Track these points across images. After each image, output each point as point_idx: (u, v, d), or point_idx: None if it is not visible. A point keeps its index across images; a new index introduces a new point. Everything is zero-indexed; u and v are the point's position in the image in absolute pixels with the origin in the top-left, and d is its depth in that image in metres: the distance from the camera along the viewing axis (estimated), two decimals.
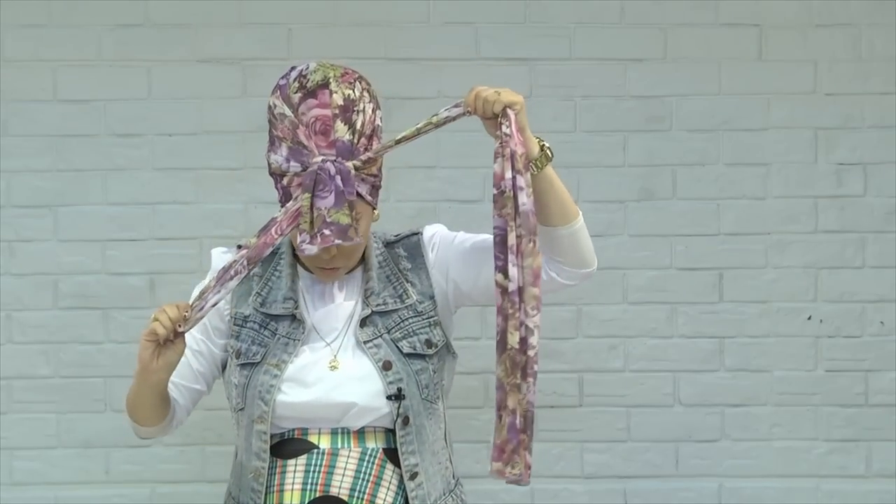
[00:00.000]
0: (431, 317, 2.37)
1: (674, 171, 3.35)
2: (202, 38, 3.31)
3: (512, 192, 2.19)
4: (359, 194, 2.24)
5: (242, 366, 2.31)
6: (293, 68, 2.27)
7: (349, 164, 2.21)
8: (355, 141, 2.22)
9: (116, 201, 3.32)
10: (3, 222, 3.31)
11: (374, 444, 2.29)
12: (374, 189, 2.29)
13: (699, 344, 3.35)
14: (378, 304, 2.33)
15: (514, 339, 2.19)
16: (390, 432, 2.30)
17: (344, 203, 2.19)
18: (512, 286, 2.18)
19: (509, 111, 2.19)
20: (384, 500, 2.27)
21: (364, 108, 2.25)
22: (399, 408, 2.27)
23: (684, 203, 3.35)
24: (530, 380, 2.20)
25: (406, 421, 2.28)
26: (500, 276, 2.20)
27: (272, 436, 2.28)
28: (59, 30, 3.30)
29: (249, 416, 2.29)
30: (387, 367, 2.28)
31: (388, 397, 2.27)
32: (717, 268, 3.35)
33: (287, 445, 2.28)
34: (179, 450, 3.32)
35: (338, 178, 2.19)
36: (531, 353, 2.20)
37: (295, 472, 2.26)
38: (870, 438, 3.34)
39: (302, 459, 2.27)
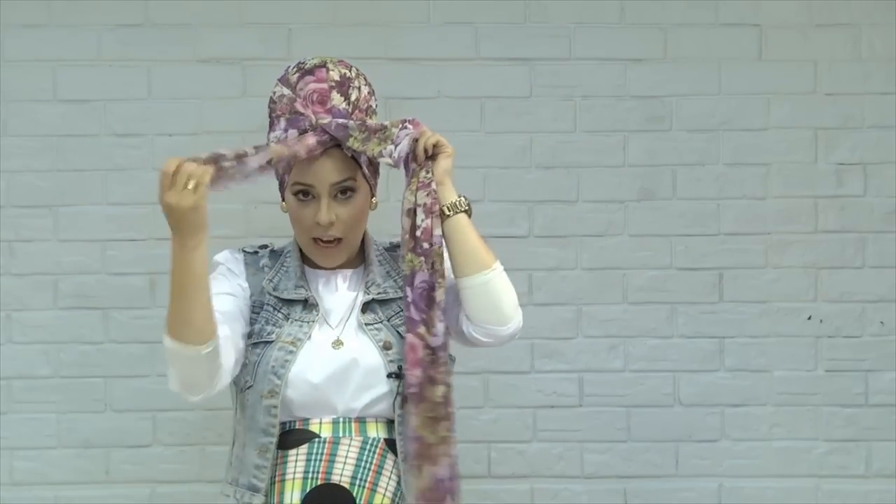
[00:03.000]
0: None
1: (674, 171, 3.35)
2: (202, 38, 3.31)
3: (441, 248, 2.29)
4: (357, 162, 2.31)
5: (255, 344, 2.33)
6: (291, 64, 2.38)
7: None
8: (350, 111, 2.30)
9: (116, 201, 3.32)
10: (3, 222, 3.30)
11: (376, 433, 2.31)
12: (373, 167, 2.36)
13: (699, 344, 3.35)
14: (379, 293, 2.38)
15: (437, 393, 2.27)
16: (390, 423, 2.33)
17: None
18: (438, 341, 2.28)
19: (441, 156, 2.31)
20: (385, 488, 2.29)
21: (360, 86, 2.34)
22: (399, 386, 2.30)
23: (684, 203, 3.35)
24: (455, 434, 2.30)
25: (405, 401, 2.30)
26: (423, 330, 2.28)
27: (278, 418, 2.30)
28: (59, 30, 3.30)
29: (258, 393, 2.30)
30: (387, 346, 2.34)
31: (389, 375, 2.30)
32: (717, 268, 3.35)
33: (288, 436, 2.30)
34: (179, 450, 3.32)
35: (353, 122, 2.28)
36: (452, 409, 2.30)
37: (296, 461, 2.28)
38: (870, 438, 3.34)
39: (303, 449, 2.29)
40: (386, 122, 2.30)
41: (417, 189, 2.30)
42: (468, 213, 2.35)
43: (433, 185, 2.31)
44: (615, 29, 3.34)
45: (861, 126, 3.34)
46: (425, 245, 2.29)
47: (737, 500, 3.34)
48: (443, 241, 2.31)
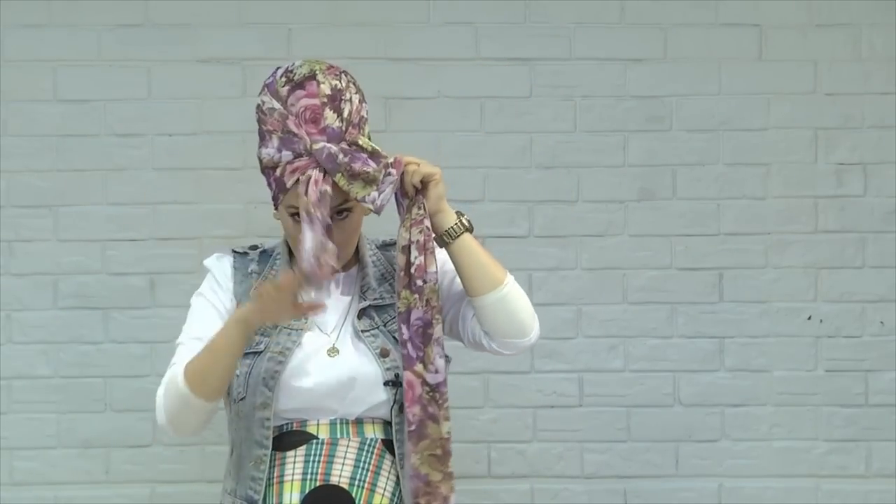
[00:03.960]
0: None
1: (674, 171, 3.35)
2: (202, 38, 3.31)
3: (437, 284, 2.30)
4: None
5: (245, 355, 2.32)
6: (278, 68, 2.31)
7: (342, 145, 2.25)
8: (344, 128, 2.25)
9: (116, 201, 3.32)
10: (3, 222, 3.31)
11: (373, 434, 2.31)
12: None
13: (699, 344, 3.35)
14: (375, 298, 2.37)
15: (442, 430, 2.29)
16: (388, 424, 2.32)
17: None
18: (437, 378, 2.28)
19: (430, 185, 2.29)
20: (384, 488, 2.28)
21: (351, 97, 2.28)
22: (396, 394, 2.29)
23: (684, 203, 3.35)
24: (454, 470, 2.31)
25: (402, 408, 2.30)
26: (420, 367, 2.28)
27: (272, 429, 2.30)
28: (59, 30, 3.30)
29: (251, 405, 2.29)
30: (384, 354, 2.32)
31: (386, 383, 2.30)
32: (717, 268, 3.35)
33: (286, 438, 2.30)
34: (179, 450, 3.32)
35: (343, 156, 2.23)
36: (451, 444, 2.31)
37: (294, 462, 2.28)
38: (870, 438, 3.34)
39: (301, 450, 2.28)
40: (369, 168, 2.23)
41: (411, 226, 2.30)
42: (470, 230, 2.34)
43: (426, 222, 2.29)
44: (615, 29, 3.34)
45: (861, 126, 3.34)
46: (419, 282, 2.29)
47: (737, 500, 3.34)
48: (437, 277, 2.30)
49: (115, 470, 3.33)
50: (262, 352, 2.31)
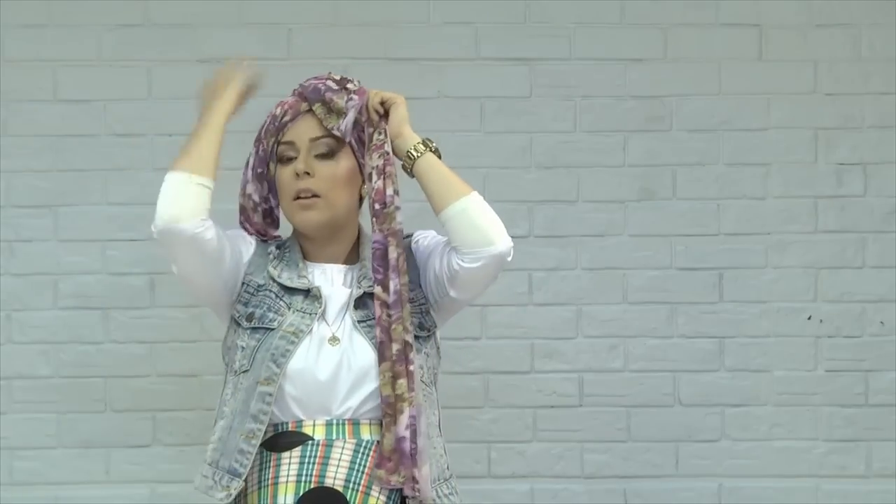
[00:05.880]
0: (422, 304, 2.43)
1: (674, 171, 3.35)
2: (202, 38, 3.31)
3: (393, 208, 2.33)
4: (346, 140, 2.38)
5: (255, 329, 2.33)
6: None
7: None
8: (340, 87, 2.41)
9: (116, 201, 3.32)
10: (3, 222, 3.30)
11: (369, 435, 2.31)
12: (363, 144, 2.41)
13: (699, 344, 3.35)
14: (369, 287, 2.38)
15: (394, 349, 2.30)
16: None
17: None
18: (392, 298, 2.31)
19: (391, 109, 2.37)
20: (379, 491, 2.28)
21: (355, 90, 2.43)
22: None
23: (684, 203, 3.35)
24: (413, 394, 2.29)
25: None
26: (379, 290, 2.32)
27: (265, 431, 2.29)
28: (59, 30, 3.30)
29: (254, 378, 2.29)
30: None
31: None
32: (717, 268, 3.35)
33: (281, 438, 2.29)
34: (179, 450, 3.32)
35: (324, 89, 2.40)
36: (412, 367, 2.30)
37: (289, 464, 2.28)
38: (870, 438, 3.34)
39: (296, 451, 2.28)
40: (341, 98, 2.36)
41: (373, 152, 2.36)
42: (436, 153, 2.38)
43: (386, 147, 2.35)
44: (615, 29, 3.34)
45: (861, 126, 3.34)
46: (377, 206, 2.34)
47: (737, 500, 3.34)
48: (396, 201, 2.34)
49: (115, 470, 3.33)
50: (274, 329, 2.32)
